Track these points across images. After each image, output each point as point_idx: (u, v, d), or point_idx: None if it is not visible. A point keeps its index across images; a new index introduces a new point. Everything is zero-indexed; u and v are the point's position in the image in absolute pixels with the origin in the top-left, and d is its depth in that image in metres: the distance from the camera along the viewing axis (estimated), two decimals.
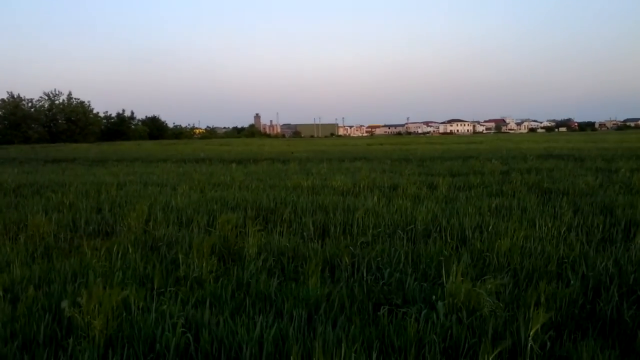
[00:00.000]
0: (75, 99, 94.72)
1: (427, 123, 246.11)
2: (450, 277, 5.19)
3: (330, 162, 24.39)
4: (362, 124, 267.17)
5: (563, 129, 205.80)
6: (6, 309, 5.03)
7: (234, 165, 22.96)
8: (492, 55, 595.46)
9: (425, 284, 5.54)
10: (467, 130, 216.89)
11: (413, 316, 4.60)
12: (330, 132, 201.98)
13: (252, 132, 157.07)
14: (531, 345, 4.10)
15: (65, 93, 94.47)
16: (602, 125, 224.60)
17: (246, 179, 16.11)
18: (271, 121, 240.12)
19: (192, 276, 5.92)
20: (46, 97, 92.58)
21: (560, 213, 9.27)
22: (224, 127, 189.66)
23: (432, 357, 3.98)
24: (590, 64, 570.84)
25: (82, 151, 43.35)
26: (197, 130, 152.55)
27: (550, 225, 8.22)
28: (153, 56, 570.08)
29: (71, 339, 4.36)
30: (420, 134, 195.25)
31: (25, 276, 5.93)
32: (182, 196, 12.11)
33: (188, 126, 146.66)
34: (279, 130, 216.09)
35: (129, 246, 7.23)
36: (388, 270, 6.00)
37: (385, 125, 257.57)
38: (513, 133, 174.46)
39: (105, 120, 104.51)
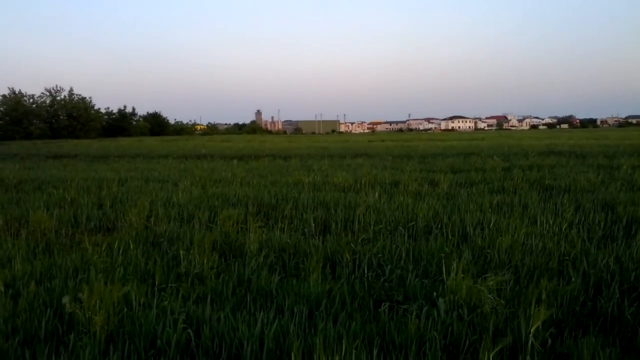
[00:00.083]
0: (76, 95, 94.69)
1: (428, 120, 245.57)
2: (451, 274, 5.19)
3: (331, 158, 24.38)
4: (363, 121, 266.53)
5: (565, 126, 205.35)
6: (7, 304, 5.04)
7: (235, 161, 22.95)
8: (494, 51, 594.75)
9: (426, 281, 5.55)
10: (469, 127, 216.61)
11: (414, 313, 4.61)
12: (331, 128, 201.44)
13: (254, 128, 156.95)
14: (532, 342, 4.10)
15: (67, 89, 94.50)
16: (603, 122, 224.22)
17: (247, 175, 16.11)
18: (272, 117, 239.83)
19: (193, 272, 5.93)
20: (47, 93, 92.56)
21: (562, 210, 9.25)
22: (226, 124, 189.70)
23: (433, 354, 3.98)
24: (592, 61, 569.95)
25: (84, 147, 43.35)
26: (199, 127, 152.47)
27: (551, 222, 8.21)
28: (155, 52, 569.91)
29: (72, 334, 4.37)
30: (422, 130, 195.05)
31: (27, 272, 5.94)
32: (184, 192, 12.11)
33: (189, 122, 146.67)
34: (280, 126, 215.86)
35: (130, 242, 7.24)
36: (389, 266, 6.00)
37: (386, 122, 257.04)
38: (515, 130, 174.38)
39: (106, 117, 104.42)
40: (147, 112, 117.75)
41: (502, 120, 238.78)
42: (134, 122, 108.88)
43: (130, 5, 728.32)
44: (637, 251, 6.42)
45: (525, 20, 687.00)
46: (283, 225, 8.39)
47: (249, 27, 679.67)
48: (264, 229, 8.06)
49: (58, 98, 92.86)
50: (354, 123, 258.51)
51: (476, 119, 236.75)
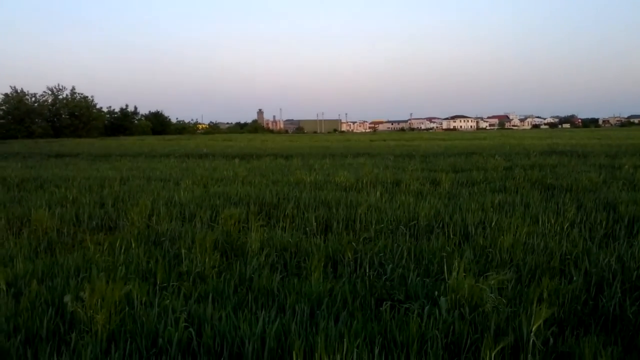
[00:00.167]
0: (78, 94, 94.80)
1: (430, 119, 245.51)
2: (453, 273, 5.18)
3: (333, 157, 24.37)
4: (365, 120, 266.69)
5: (566, 125, 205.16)
6: (9, 303, 5.05)
7: (237, 160, 22.95)
8: (496, 51, 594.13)
9: (427, 280, 5.55)
10: (471, 127, 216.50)
11: (415, 312, 4.61)
12: (333, 127, 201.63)
13: (255, 127, 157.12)
14: (533, 341, 4.10)
15: (69, 88, 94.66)
16: (605, 121, 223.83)
17: (249, 174, 16.11)
18: (274, 117, 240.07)
19: (195, 271, 5.93)
20: (50, 92, 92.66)
21: (563, 209, 9.25)
22: (227, 123, 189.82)
23: (435, 353, 3.98)
24: (594, 60, 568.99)
25: (86, 146, 43.38)
26: (200, 126, 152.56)
27: (553, 221, 8.21)
28: (157, 51, 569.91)
29: (74, 333, 4.37)
30: (424, 130, 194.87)
31: (29, 270, 5.95)
32: (185, 191, 12.12)
33: (191, 121, 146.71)
34: (282, 125, 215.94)
35: (132, 241, 7.24)
36: (390, 266, 6.00)
37: (388, 121, 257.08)
38: (516, 129, 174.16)
39: (108, 116, 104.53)
40: (149, 111, 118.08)
41: (504, 119, 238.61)
42: (136, 121, 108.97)
43: (132, 4, 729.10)
44: (639, 250, 6.42)
45: (527, 20, 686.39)
46: (284, 225, 8.39)
47: (250, 26, 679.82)
48: (265, 228, 8.06)
49: (60, 97, 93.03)
50: (356, 122, 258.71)
51: (478, 119, 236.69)
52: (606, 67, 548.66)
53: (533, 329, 4.16)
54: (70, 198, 11.30)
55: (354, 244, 6.83)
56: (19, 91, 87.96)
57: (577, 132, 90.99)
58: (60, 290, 5.24)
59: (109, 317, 4.50)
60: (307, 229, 8.16)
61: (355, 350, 3.91)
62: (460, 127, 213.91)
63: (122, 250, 6.85)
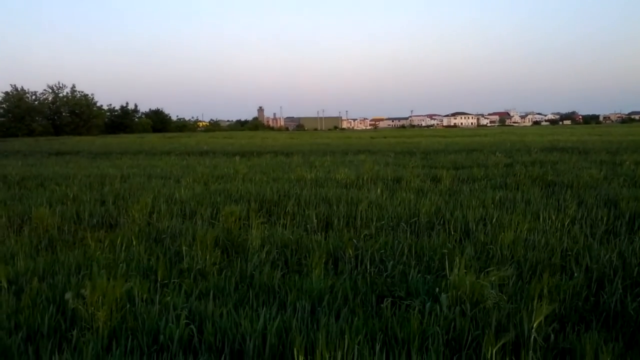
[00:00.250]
0: (79, 92, 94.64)
1: (431, 116, 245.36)
2: (454, 270, 5.18)
3: (333, 155, 24.36)
4: (365, 117, 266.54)
5: (567, 122, 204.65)
6: (10, 300, 5.05)
7: (237, 158, 22.94)
8: (496, 47, 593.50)
9: (428, 277, 5.55)
10: (471, 123, 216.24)
11: (416, 308, 4.61)
12: (333, 125, 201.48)
13: (256, 125, 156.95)
14: (534, 337, 4.09)
15: (69, 86, 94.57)
16: (606, 118, 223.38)
17: (250, 172, 16.12)
18: (275, 114, 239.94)
19: (196, 268, 5.94)
20: (50, 90, 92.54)
21: (564, 206, 9.24)
22: (228, 120, 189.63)
23: (436, 349, 3.98)
24: (595, 57, 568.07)
25: (86, 144, 43.38)
26: (201, 123, 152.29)
27: (554, 217, 8.20)
28: (157, 49, 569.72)
29: (75, 330, 4.38)
30: (424, 126, 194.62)
31: (30, 268, 5.95)
32: (186, 188, 12.12)
33: (192, 119, 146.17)
34: (282, 123, 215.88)
35: (133, 238, 7.25)
36: (391, 262, 6.00)
37: (389, 118, 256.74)
38: (517, 126, 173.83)
39: (108, 113, 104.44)
40: (149, 109, 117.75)
41: (504, 116, 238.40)
42: (136, 119, 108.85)
43: (133, 2, 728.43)
44: None
45: (528, 16, 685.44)
46: (285, 222, 8.39)
47: (251, 24, 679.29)
48: (266, 225, 8.07)
49: (60, 95, 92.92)
50: (356, 119, 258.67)
51: (478, 115, 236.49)
52: (607, 64, 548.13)
53: (534, 325, 4.16)
54: (71, 196, 11.31)
55: (354, 240, 6.83)
56: (19, 89, 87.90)
57: (578, 128, 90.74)
58: (62, 288, 5.24)
59: (110, 314, 4.50)
60: (308, 226, 8.16)
61: (356, 346, 3.91)
62: (461, 124, 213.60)
63: (123, 248, 6.85)
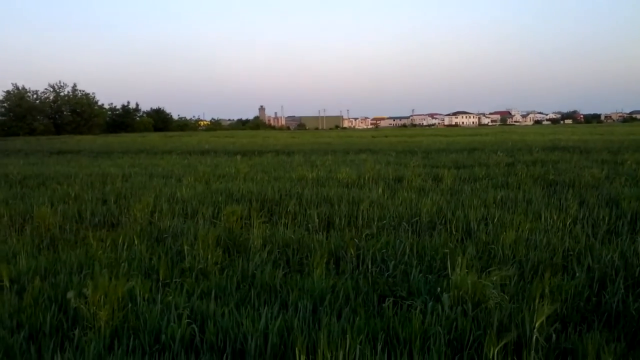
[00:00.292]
0: (80, 90, 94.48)
1: (432, 115, 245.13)
2: (456, 269, 5.18)
3: (335, 154, 24.35)
4: (367, 116, 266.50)
5: (569, 121, 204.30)
6: (12, 299, 5.07)
7: (238, 157, 22.94)
8: (497, 47, 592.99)
9: (430, 276, 5.55)
10: (472, 123, 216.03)
11: (418, 308, 4.61)
12: (335, 124, 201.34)
13: (257, 124, 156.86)
14: (536, 337, 4.09)
15: (70, 85, 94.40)
16: (608, 117, 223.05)
17: (251, 171, 16.13)
18: (276, 113, 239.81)
19: (198, 267, 5.94)
20: (51, 89, 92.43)
21: (566, 205, 9.24)
22: (229, 119, 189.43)
23: (437, 349, 3.98)
24: (596, 56, 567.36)
25: (87, 143, 43.41)
26: (202, 122, 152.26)
27: (555, 217, 8.20)
28: (158, 48, 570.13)
29: (77, 329, 4.39)
30: (426, 126, 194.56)
31: (31, 267, 5.96)
32: (187, 188, 12.12)
33: (193, 118, 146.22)
34: (283, 122, 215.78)
35: (135, 237, 7.26)
36: (393, 262, 6.00)
37: (390, 118, 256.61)
38: (518, 125, 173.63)
39: (110, 112, 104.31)
40: (151, 108, 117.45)
41: (505, 115, 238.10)
42: (138, 118, 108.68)
43: (135, 1, 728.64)
44: None
45: (529, 15, 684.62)
46: (287, 221, 8.39)
47: (252, 23, 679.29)
48: (267, 224, 8.07)
49: (62, 94, 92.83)
50: (358, 119, 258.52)
51: (480, 115, 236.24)
52: (609, 63, 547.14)
53: (536, 325, 4.16)
54: (73, 195, 11.33)
55: (356, 240, 6.84)
56: (20, 88, 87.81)
57: (579, 127, 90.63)
58: (63, 287, 5.25)
59: (112, 313, 4.51)
60: (310, 225, 8.16)
61: (357, 346, 3.92)
62: (462, 123, 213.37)
63: (125, 247, 6.86)
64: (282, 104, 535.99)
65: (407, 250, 6.45)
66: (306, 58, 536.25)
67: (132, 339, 4.23)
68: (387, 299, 4.92)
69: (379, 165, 17.48)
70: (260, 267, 5.92)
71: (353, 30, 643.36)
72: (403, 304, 4.85)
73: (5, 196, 11.44)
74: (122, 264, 6.01)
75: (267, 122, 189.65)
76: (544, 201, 9.83)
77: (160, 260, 6.12)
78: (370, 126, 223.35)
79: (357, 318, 4.48)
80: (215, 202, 9.93)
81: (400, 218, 8.36)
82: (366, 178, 13.49)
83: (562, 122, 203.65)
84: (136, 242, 7.10)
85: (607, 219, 8.15)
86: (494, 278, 5.08)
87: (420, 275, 5.56)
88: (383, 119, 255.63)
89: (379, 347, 3.97)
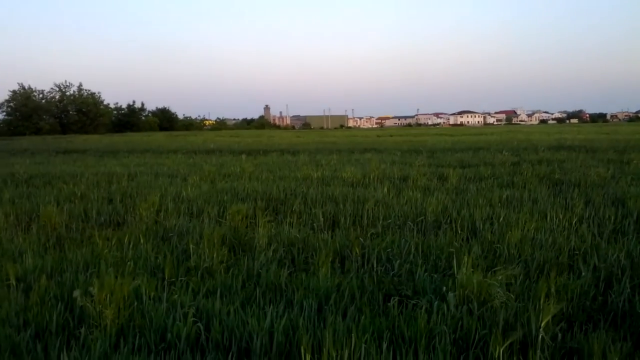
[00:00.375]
0: (85, 90, 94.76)
1: (437, 114, 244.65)
2: (461, 268, 5.18)
3: (340, 153, 24.34)
4: (371, 116, 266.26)
5: (574, 121, 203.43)
6: (19, 298, 5.09)
7: (244, 156, 22.97)
8: (503, 46, 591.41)
9: (435, 275, 5.54)
10: (478, 122, 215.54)
11: (423, 307, 4.61)
12: (339, 123, 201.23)
13: (262, 123, 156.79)
14: (542, 336, 4.08)
15: (76, 84, 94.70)
16: (614, 116, 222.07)
17: (256, 170, 16.14)
18: (281, 112, 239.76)
19: (203, 266, 5.96)
20: (57, 89, 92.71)
21: (572, 204, 9.21)
22: (234, 119, 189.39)
23: (443, 348, 3.98)
24: (602, 55, 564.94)
25: (93, 142, 43.54)
26: (207, 122, 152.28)
27: (561, 216, 8.17)
28: (164, 48, 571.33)
29: (83, 328, 4.41)
30: (431, 125, 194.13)
31: (38, 266, 5.99)
32: (193, 187, 12.15)
33: (198, 118, 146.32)
34: (288, 121, 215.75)
35: (140, 236, 7.28)
36: (398, 261, 6.00)
37: (395, 117, 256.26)
38: (524, 124, 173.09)
39: (115, 112, 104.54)
40: (156, 108, 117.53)
41: (511, 115, 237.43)
42: (143, 118, 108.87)
43: (139, 1, 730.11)
44: None
45: (534, 14, 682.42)
46: (292, 220, 8.39)
47: (257, 23, 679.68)
48: (272, 223, 8.08)
49: (67, 93, 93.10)
50: (362, 118, 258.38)
51: (485, 114, 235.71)
52: (615, 62, 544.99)
53: (542, 325, 4.15)
54: (79, 194, 11.36)
55: (361, 239, 6.84)
56: (26, 88, 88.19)
57: (585, 127, 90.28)
58: (70, 285, 5.27)
59: (117, 311, 4.52)
60: (315, 224, 8.16)
61: (363, 345, 3.92)
62: (467, 122, 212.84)
63: (131, 246, 6.88)
64: (287, 103, 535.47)
65: (413, 250, 6.45)
66: (311, 57, 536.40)
67: (137, 337, 4.24)
68: (392, 298, 4.92)
69: (384, 164, 17.46)
70: (265, 266, 5.93)
71: (358, 30, 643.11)
72: (408, 303, 4.84)
73: (12, 195, 11.49)
74: (128, 263, 6.02)
75: (272, 121, 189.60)
76: (549, 200, 9.80)
77: (165, 259, 6.14)
78: (375, 125, 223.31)
79: (363, 317, 4.48)
80: (221, 201, 9.95)
81: (406, 217, 8.36)
82: (371, 177, 13.48)
83: (567, 121, 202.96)
84: (142, 241, 7.12)
85: (613, 218, 8.13)
86: (500, 277, 5.07)
87: (426, 274, 5.55)
88: (388, 118, 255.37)
89: (384, 346, 3.97)
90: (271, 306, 4.72)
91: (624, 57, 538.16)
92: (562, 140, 32.46)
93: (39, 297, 4.98)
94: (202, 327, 4.33)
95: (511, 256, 6.25)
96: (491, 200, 9.80)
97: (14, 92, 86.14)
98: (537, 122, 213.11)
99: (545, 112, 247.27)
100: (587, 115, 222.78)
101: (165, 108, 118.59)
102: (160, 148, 32.07)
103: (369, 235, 7.20)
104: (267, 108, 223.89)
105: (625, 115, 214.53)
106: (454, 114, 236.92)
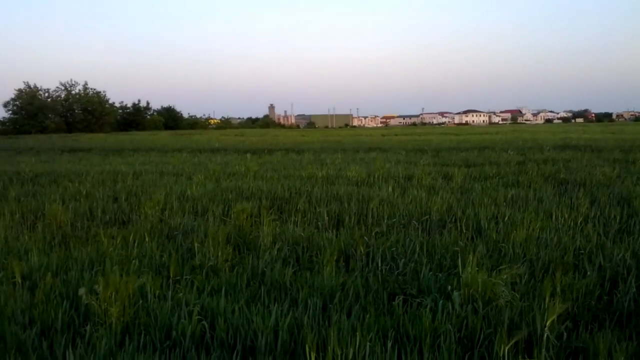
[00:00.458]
0: (91, 89, 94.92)
1: (442, 114, 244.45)
2: (466, 268, 5.16)
3: (344, 152, 24.33)
4: (376, 115, 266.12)
5: (580, 120, 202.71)
6: (25, 296, 5.10)
7: (248, 155, 22.97)
8: (508, 45, 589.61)
9: (440, 274, 5.53)
10: (483, 121, 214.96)
11: (428, 306, 4.60)
12: (344, 122, 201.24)
13: (267, 122, 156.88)
14: (547, 335, 4.07)
15: (82, 83, 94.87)
16: (619, 116, 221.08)
17: (261, 169, 16.15)
18: (285, 112, 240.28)
19: (208, 265, 5.96)
20: (62, 88, 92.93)
21: (577, 204, 9.18)
22: (239, 118, 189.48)
23: (448, 347, 3.97)
24: (607, 54, 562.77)
25: (99, 141, 43.66)
26: (212, 121, 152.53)
27: (566, 216, 8.15)
28: (169, 47, 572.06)
29: (88, 325, 4.42)
30: (436, 124, 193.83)
31: (43, 264, 6.00)
32: (198, 185, 12.16)
33: (203, 116, 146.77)
34: (293, 120, 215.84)
35: (145, 235, 7.29)
36: (403, 260, 6.00)
37: (399, 116, 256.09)
38: (529, 124, 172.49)
39: (120, 111, 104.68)
40: (161, 106, 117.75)
41: (516, 114, 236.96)
42: (148, 116, 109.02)
43: (145, 0, 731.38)
44: None
45: (539, 13, 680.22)
46: (296, 219, 8.40)
47: (261, 22, 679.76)
48: (277, 222, 8.08)
49: (73, 92, 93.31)
50: (367, 117, 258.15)
51: (490, 113, 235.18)
52: (620, 62, 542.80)
53: (547, 324, 4.13)
54: (84, 192, 11.40)
55: (366, 238, 6.83)
56: (32, 87, 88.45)
57: (590, 126, 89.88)
58: (75, 283, 5.29)
59: (123, 309, 4.53)
60: (319, 223, 8.17)
61: (367, 343, 3.92)
62: (473, 121, 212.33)
63: (136, 244, 6.89)
64: (292, 103, 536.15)
65: (417, 249, 6.44)
66: (316, 57, 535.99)
67: (143, 335, 4.25)
68: (397, 296, 4.92)
69: (389, 163, 17.44)
70: (270, 265, 5.93)
71: (363, 29, 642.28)
72: (413, 301, 4.84)
73: (18, 193, 11.53)
74: (133, 261, 6.04)
75: (276, 120, 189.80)
76: (555, 200, 9.78)
77: (170, 257, 6.15)
78: (379, 125, 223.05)
79: (367, 316, 4.47)
80: (226, 200, 9.96)
81: (410, 216, 8.35)
82: (376, 176, 13.47)
83: (573, 120, 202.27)
84: (147, 239, 7.13)
85: (618, 217, 8.10)
86: (505, 276, 5.06)
87: (430, 273, 5.55)
88: (393, 117, 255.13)
89: (389, 345, 3.97)
90: (276, 304, 4.72)
91: (629, 56, 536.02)
92: (568, 140, 32.37)
93: (44, 295, 5.00)
94: (207, 325, 4.33)
95: (516, 255, 6.23)
96: (496, 199, 9.77)
97: (19, 90, 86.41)
98: (542, 121, 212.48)
99: (551, 112, 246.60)
100: (593, 115, 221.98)
101: (170, 107, 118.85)
102: (165, 147, 32.13)
103: (373, 234, 7.19)
104: (272, 107, 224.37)
105: (631, 115, 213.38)
106: (459, 113, 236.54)
